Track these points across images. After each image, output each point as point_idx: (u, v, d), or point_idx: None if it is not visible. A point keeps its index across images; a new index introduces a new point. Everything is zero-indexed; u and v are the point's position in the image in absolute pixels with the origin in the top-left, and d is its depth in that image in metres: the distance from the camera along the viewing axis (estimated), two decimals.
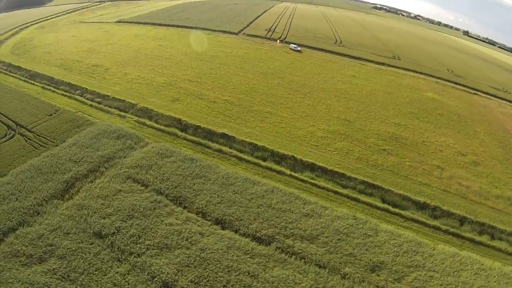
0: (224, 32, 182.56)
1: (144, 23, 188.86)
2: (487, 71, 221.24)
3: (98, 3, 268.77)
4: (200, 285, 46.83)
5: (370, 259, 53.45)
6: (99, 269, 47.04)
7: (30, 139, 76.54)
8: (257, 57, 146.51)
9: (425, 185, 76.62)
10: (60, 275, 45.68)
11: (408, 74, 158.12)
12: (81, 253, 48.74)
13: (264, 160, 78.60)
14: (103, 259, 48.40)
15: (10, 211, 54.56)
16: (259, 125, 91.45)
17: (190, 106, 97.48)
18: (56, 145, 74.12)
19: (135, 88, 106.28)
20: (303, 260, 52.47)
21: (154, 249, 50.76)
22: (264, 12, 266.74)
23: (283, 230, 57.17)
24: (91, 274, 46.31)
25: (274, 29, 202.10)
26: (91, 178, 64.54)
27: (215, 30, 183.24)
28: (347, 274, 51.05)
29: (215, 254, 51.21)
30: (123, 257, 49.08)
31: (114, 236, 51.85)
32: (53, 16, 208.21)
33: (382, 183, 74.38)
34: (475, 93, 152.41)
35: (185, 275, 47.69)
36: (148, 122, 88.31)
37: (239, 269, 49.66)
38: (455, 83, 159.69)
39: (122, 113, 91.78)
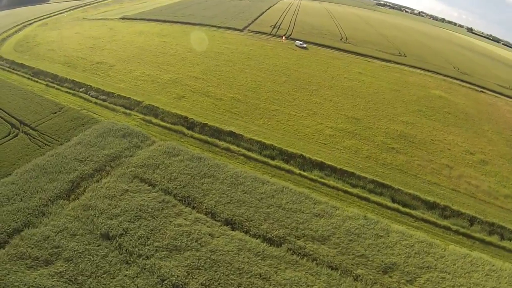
0: (229, 28, 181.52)
1: (148, 20, 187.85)
2: (493, 68, 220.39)
3: (101, 0, 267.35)
4: None
5: (382, 261, 52.53)
6: (107, 272, 45.73)
7: (34, 138, 75.20)
8: (263, 54, 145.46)
9: (434, 184, 75.74)
10: (67, 278, 44.38)
11: (414, 72, 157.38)
12: (88, 255, 47.40)
13: (273, 159, 77.49)
14: (111, 261, 47.09)
15: (15, 212, 53.23)
16: (266, 123, 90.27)
17: (196, 104, 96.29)
18: (61, 144, 72.82)
19: (140, 85, 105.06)
20: (315, 262, 51.41)
21: (163, 251, 49.46)
22: (269, 8, 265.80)
23: (294, 230, 56.03)
24: (99, 277, 45.00)
25: (279, 25, 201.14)
26: (97, 178, 63.25)
27: (220, 27, 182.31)
28: (360, 276, 50.08)
29: (226, 256, 49.98)
30: (132, 259, 47.79)
31: (122, 238, 50.55)
32: (56, 13, 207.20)
33: (391, 182, 73.49)
34: (482, 91, 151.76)
35: (196, 278, 46.40)
36: (154, 120, 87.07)
37: (251, 272, 48.45)
38: (462, 80, 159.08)
39: (128, 111, 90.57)
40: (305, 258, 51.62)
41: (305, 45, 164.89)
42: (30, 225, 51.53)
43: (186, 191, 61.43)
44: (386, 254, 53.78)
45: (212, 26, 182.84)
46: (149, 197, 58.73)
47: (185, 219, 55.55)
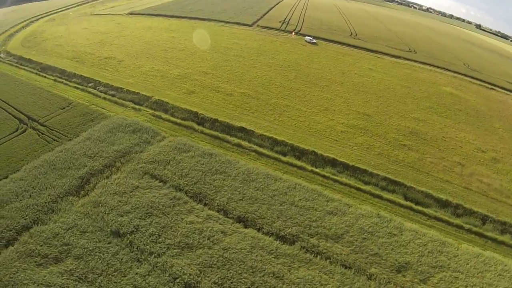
0: (238, 24, 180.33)
1: (156, 15, 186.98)
2: (502, 65, 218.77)
3: None
4: (223, 287, 44.66)
5: (396, 259, 51.66)
6: (118, 270, 44.73)
7: (42, 133, 74.28)
8: (273, 49, 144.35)
9: (446, 182, 74.81)
10: (77, 276, 43.41)
11: (424, 68, 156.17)
12: (99, 253, 46.42)
13: (284, 155, 76.56)
14: (122, 259, 46.08)
15: (24, 208, 52.27)
16: (277, 119, 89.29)
17: (206, 99, 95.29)
18: (70, 140, 71.86)
19: (150, 80, 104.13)
20: (328, 260, 50.42)
21: (175, 249, 48.48)
22: (277, 4, 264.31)
23: (307, 228, 55.04)
24: (110, 276, 44.00)
25: (288, 21, 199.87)
26: (107, 174, 62.28)
27: (228, 22, 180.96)
28: (373, 275, 49.18)
29: (239, 254, 48.99)
30: (143, 257, 46.77)
31: (133, 235, 49.53)
32: (63, 9, 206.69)
33: (404, 179, 72.61)
34: (492, 88, 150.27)
35: (208, 276, 45.44)
36: (164, 116, 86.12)
37: (264, 270, 47.51)
38: (472, 77, 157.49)
39: (137, 106, 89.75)
40: (318, 256, 50.70)
41: (314, 41, 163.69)
42: (39, 222, 50.59)
43: (197, 187, 60.37)
44: (400, 253, 52.95)
45: (221, 21, 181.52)
46: (160, 194, 57.70)
47: (197, 216, 54.56)
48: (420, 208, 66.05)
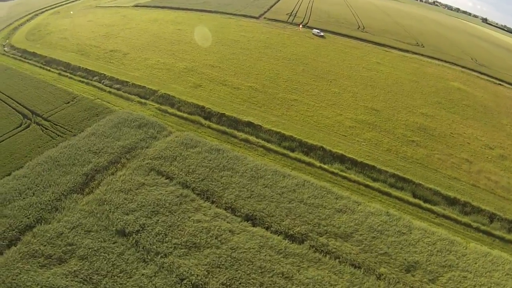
0: (245, 16, 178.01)
1: (162, 7, 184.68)
2: (510, 60, 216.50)
3: None
4: None
5: (405, 259, 51.22)
6: (123, 271, 43.74)
7: (46, 129, 73.23)
8: (280, 42, 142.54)
9: (454, 179, 74.21)
10: (82, 278, 42.46)
11: (432, 62, 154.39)
12: (104, 253, 45.41)
13: (292, 150, 75.52)
14: (127, 259, 45.06)
15: (27, 207, 51.27)
16: (285, 113, 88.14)
17: (213, 93, 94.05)
18: (74, 135, 70.85)
19: (155, 73, 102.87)
20: (337, 260, 49.78)
21: (182, 249, 47.50)
22: None
23: (316, 227, 54.21)
24: (115, 277, 43.02)
25: (296, 13, 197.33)
26: (112, 170, 61.16)
27: (235, 14, 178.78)
28: (383, 274, 48.67)
29: (247, 254, 48.03)
30: (149, 257, 45.77)
31: (139, 234, 48.54)
32: (68, 1, 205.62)
33: (412, 176, 71.95)
34: (500, 84, 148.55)
35: (216, 277, 44.50)
36: (170, 110, 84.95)
37: (273, 270, 46.63)
38: (480, 72, 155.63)
39: (143, 100, 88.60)
40: (327, 256, 50.14)
41: (322, 34, 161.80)
42: (43, 221, 49.70)
43: (204, 184, 59.34)
44: (409, 252, 52.55)
45: (228, 13, 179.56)
46: (166, 191, 56.62)
47: (204, 214, 53.54)
48: (428, 206, 65.64)
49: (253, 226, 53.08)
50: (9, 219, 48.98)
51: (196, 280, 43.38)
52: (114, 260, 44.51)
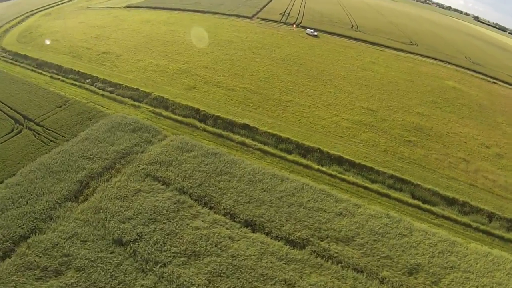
0: (238, 16, 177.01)
1: (154, 8, 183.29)
2: (503, 59, 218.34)
3: None
4: None
5: (407, 261, 50.85)
6: (122, 282, 42.56)
7: (39, 134, 71.80)
8: (274, 43, 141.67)
9: (452, 179, 74.48)
10: None
11: (427, 61, 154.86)
12: (101, 264, 44.18)
13: (289, 153, 74.94)
14: (126, 270, 43.87)
15: (21, 216, 49.88)
16: (281, 115, 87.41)
17: (207, 95, 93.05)
18: (67, 140, 69.39)
19: (149, 75, 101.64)
20: (340, 265, 49.10)
21: (181, 257, 46.40)
22: None
23: (317, 231, 53.46)
24: None
25: (289, 13, 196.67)
26: (107, 177, 59.79)
27: (228, 14, 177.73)
28: (385, 278, 48.22)
29: (248, 261, 47.06)
30: (148, 267, 44.59)
31: (137, 243, 47.31)
32: (59, 3, 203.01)
33: (410, 177, 71.97)
34: (494, 82, 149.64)
35: (218, 286, 43.55)
36: (164, 113, 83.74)
37: (275, 277, 45.79)
38: (474, 71, 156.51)
39: (136, 103, 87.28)
40: (329, 261, 49.46)
41: (316, 33, 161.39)
42: (37, 231, 48.33)
43: (202, 190, 58.23)
44: (411, 254, 52.23)
45: (220, 13, 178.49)
46: (163, 197, 55.46)
47: (202, 221, 52.48)
48: (427, 206, 65.73)
49: (253, 232, 52.18)
50: (2, 230, 47.61)
51: None
52: (112, 271, 43.33)
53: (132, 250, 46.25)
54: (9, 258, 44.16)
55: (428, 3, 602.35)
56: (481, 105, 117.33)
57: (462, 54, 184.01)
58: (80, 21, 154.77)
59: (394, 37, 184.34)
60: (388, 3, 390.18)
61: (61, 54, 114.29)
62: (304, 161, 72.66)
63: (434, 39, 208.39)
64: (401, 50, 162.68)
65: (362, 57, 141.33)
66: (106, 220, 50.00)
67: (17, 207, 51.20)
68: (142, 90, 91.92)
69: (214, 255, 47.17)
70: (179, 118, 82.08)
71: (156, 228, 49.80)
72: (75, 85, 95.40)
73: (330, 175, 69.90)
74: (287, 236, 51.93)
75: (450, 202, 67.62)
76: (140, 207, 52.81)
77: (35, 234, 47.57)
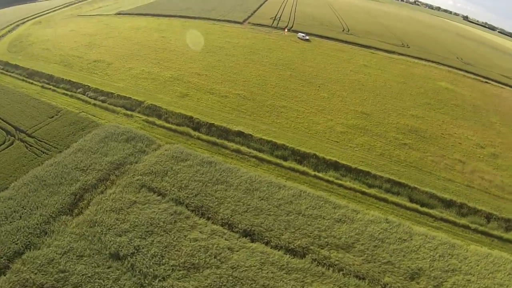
0: (229, 21, 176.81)
1: (145, 15, 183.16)
2: (494, 58, 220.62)
3: None
4: None
5: (409, 266, 50.37)
6: None
7: (31, 145, 70.59)
8: (266, 47, 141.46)
9: (449, 180, 74.42)
10: None
11: (419, 63, 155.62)
12: (99, 279, 43.12)
13: (285, 159, 74.40)
14: (124, 285, 42.86)
15: (14, 232, 48.69)
16: (275, 121, 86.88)
17: (200, 102, 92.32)
18: (60, 152, 68.14)
19: (141, 84, 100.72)
20: (341, 272, 48.44)
21: (180, 270, 45.43)
22: (266, 0, 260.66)
23: (317, 239, 52.78)
24: None
25: (280, 17, 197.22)
26: (101, 189, 58.68)
27: (219, 20, 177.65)
28: (387, 284, 47.73)
29: (249, 272, 46.24)
30: (147, 281, 43.55)
31: (134, 257, 46.23)
32: (49, 11, 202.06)
33: (407, 180, 71.74)
34: (487, 82, 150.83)
35: None
36: (158, 122, 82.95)
37: None
38: (466, 71, 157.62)
39: (129, 112, 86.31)
40: (331, 269, 48.69)
41: (307, 37, 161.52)
42: (32, 247, 47.15)
43: (199, 200, 57.31)
44: (412, 259, 51.79)
45: (212, 19, 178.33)
46: (159, 209, 54.43)
47: (200, 232, 51.54)
48: (425, 209, 65.54)
49: (252, 241, 51.41)
50: None
51: None
52: (110, 287, 42.35)
53: (129, 264, 45.22)
54: (4, 276, 43.05)
55: (418, 4, 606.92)
56: (474, 105, 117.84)
57: (454, 55, 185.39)
58: (71, 29, 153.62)
59: (386, 39, 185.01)
60: (377, 5, 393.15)
61: (52, 63, 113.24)
62: (300, 167, 72.11)
63: (425, 40, 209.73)
64: (393, 52, 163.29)
65: (355, 60, 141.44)
66: (102, 234, 48.96)
67: (10, 222, 50.01)
68: (134, 99, 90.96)
69: (214, 267, 46.30)
70: (173, 126, 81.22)
71: (153, 240, 48.86)
72: (66, 94, 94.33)
73: (327, 181, 69.39)
74: (287, 245, 51.24)
75: (448, 204, 67.57)
76: (136, 220, 51.82)
77: (30, 250, 46.44)
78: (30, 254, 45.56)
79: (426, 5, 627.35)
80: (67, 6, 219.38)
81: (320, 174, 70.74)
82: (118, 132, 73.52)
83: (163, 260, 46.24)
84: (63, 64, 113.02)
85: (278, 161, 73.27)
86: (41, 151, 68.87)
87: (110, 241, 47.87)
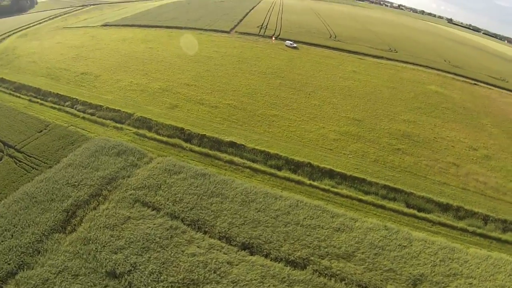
0: (216, 31, 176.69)
1: (131, 26, 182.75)
2: (482, 60, 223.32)
3: (80, 7, 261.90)
4: None
5: (410, 273, 50.21)
6: None
7: (20, 161, 69.27)
8: (254, 56, 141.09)
9: (444, 184, 74.57)
10: None
11: (407, 67, 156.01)
12: None
13: (279, 169, 73.61)
14: None
15: (7, 251, 47.28)
16: (267, 130, 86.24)
17: (191, 113, 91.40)
18: (50, 167, 66.82)
19: (129, 95, 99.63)
20: (343, 282, 48.07)
21: (179, 287, 44.29)
22: (252, 8, 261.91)
23: (317, 249, 52.18)
24: None
25: (266, 25, 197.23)
26: (94, 205, 57.32)
27: (206, 30, 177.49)
28: None
29: (250, 286, 45.53)
30: None
31: (131, 275, 45.05)
32: (35, 23, 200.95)
33: (403, 186, 71.65)
34: (475, 84, 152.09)
35: None
36: (148, 134, 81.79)
37: None
38: (455, 74, 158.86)
39: (119, 125, 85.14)
40: (333, 279, 48.26)
41: (295, 45, 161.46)
42: (25, 267, 45.79)
43: (194, 213, 56.23)
44: (413, 265, 51.54)
45: (198, 29, 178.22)
46: (154, 224, 53.23)
47: (198, 246, 50.50)
48: (423, 214, 65.63)
49: (251, 254, 50.53)
50: None
51: None
52: None
53: (127, 283, 44.04)
54: None
55: (402, 8, 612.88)
56: (465, 107, 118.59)
57: (441, 58, 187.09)
58: (57, 42, 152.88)
59: (373, 44, 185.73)
60: (362, 10, 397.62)
61: (39, 76, 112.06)
62: (295, 176, 71.50)
63: (412, 44, 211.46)
64: (381, 58, 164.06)
65: (343, 67, 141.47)
66: (97, 252, 47.69)
67: (2, 242, 48.61)
68: (123, 111, 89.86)
69: (213, 282, 45.33)
70: (164, 138, 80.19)
71: (150, 257, 47.68)
72: (54, 108, 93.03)
73: (323, 189, 68.98)
74: (287, 256, 50.52)
75: (445, 208, 67.72)
76: (132, 236, 50.62)
77: (23, 270, 45.11)
78: (23, 275, 44.25)
79: (410, 9, 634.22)
80: (52, 18, 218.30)
81: (315, 183, 70.22)
82: (109, 145, 72.24)
83: (162, 277, 45.12)
84: (50, 77, 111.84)
85: (273, 171, 72.49)
86: (31, 166, 67.67)
87: (106, 259, 46.62)
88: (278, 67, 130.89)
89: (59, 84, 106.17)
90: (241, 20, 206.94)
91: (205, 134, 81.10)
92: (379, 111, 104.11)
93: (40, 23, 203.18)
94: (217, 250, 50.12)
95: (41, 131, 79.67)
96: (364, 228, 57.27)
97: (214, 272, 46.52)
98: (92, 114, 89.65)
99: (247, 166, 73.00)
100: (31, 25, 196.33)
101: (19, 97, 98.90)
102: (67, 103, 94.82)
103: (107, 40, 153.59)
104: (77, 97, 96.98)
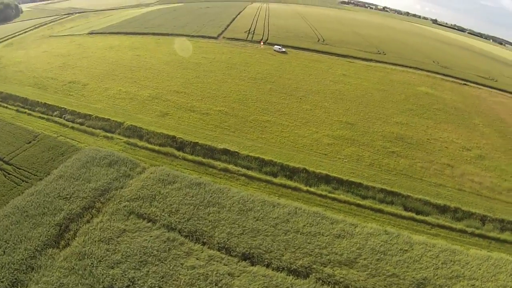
0: (203, 37, 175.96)
1: (117, 33, 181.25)
2: (470, 60, 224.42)
3: (66, 16, 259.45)
4: None
5: (413, 277, 49.88)
6: None
7: (9, 174, 67.44)
8: (243, 62, 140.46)
9: (440, 186, 74.58)
10: None
11: (396, 69, 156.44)
12: None
13: (275, 176, 72.80)
14: None
15: None
16: (260, 136, 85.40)
17: (182, 121, 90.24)
18: (41, 179, 64.99)
19: (119, 104, 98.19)
20: None
21: None
22: (239, 14, 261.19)
23: (319, 257, 51.34)
24: None
25: (254, 31, 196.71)
26: (88, 218, 55.61)
27: (193, 36, 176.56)
28: None
29: None
30: None
31: None
32: (21, 32, 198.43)
33: (399, 189, 71.34)
34: (465, 84, 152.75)
35: None
36: (139, 143, 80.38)
37: None
38: (444, 74, 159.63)
39: (109, 134, 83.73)
40: (336, 286, 47.66)
41: (284, 49, 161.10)
42: (19, 284, 44.07)
43: (191, 224, 54.87)
44: (415, 269, 51.23)
45: (185, 35, 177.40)
46: (151, 236, 51.75)
47: (197, 258, 49.14)
48: (421, 217, 65.54)
49: (252, 265, 49.33)
50: None
51: None
52: None
53: None
54: None
55: (387, 11, 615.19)
56: (456, 108, 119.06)
57: (430, 59, 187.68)
58: (44, 50, 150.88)
59: (361, 47, 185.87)
60: (348, 13, 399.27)
61: (26, 86, 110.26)
62: (291, 183, 70.74)
63: (400, 46, 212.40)
64: (370, 60, 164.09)
65: (333, 70, 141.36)
66: (93, 267, 46.09)
67: None
68: (113, 120, 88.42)
69: None
70: (156, 147, 78.93)
71: (148, 271, 46.18)
72: (43, 118, 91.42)
73: (320, 195, 68.38)
74: (289, 265, 49.53)
75: (442, 209, 67.82)
76: (128, 249, 49.10)
77: None
78: None
79: (395, 11, 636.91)
80: (38, 27, 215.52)
81: (312, 189, 69.65)
82: (100, 156, 70.64)
83: None
84: (38, 86, 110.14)
85: (268, 178, 71.66)
86: (21, 179, 65.88)
87: (103, 274, 45.05)
88: (267, 72, 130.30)
89: (46, 94, 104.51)
90: (228, 26, 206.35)
91: (197, 142, 79.94)
92: (371, 114, 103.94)
93: (25, 32, 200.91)
94: (217, 261, 48.89)
95: (29, 142, 77.94)
96: (364, 233, 56.70)
97: (216, 285, 45.28)
98: (81, 124, 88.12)
99: (242, 174, 72.02)
100: (16, 34, 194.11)
101: (6, 107, 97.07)
102: (55, 113, 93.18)
103: (94, 48, 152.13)
104: (65, 107, 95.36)
